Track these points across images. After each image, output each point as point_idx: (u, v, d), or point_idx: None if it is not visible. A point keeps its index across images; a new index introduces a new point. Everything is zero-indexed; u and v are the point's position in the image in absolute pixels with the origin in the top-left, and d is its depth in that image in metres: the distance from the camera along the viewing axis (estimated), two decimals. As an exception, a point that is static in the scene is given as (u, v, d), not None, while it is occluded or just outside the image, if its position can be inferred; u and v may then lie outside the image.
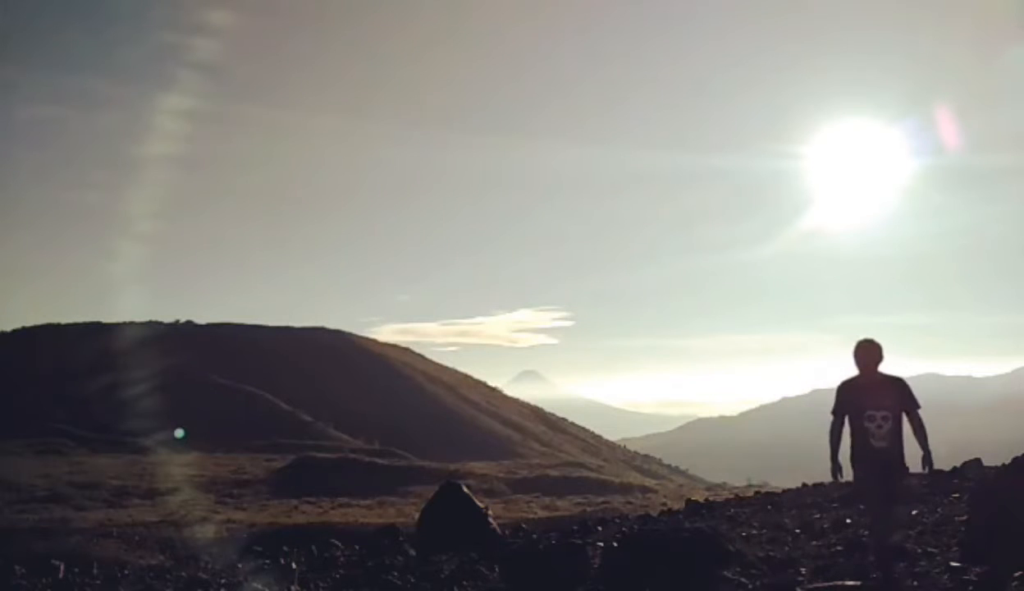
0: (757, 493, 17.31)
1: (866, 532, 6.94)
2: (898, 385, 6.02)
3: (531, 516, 32.22)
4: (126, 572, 10.81)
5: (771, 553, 6.15)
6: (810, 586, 5.00)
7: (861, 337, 6.30)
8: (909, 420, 5.96)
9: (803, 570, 5.45)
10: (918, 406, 5.99)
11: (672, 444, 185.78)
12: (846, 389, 6.15)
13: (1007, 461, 5.99)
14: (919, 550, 5.40)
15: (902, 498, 6.17)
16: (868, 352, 6.14)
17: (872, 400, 5.92)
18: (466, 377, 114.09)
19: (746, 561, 5.67)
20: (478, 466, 59.85)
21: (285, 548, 11.67)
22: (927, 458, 5.91)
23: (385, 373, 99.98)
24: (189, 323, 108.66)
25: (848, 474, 6.12)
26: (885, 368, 6.21)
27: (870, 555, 6.24)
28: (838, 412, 6.13)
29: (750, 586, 5.10)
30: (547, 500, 43.87)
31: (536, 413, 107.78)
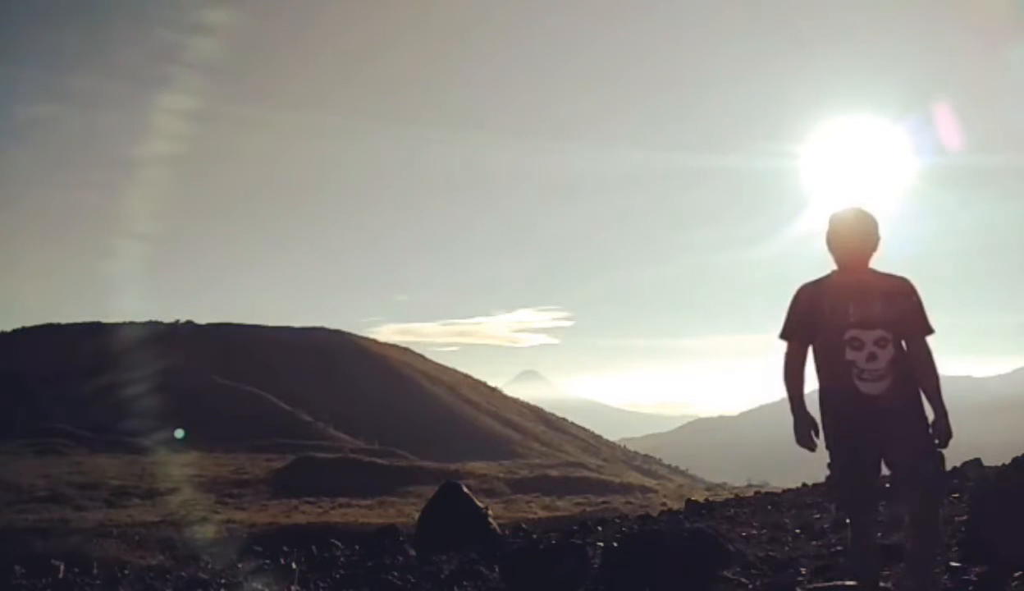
0: (757, 493, 17.31)
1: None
2: (903, 291, 3.55)
3: (531, 516, 32.25)
4: (126, 572, 10.80)
5: (771, 553, 6.14)
6: (810, 586, 4.98)
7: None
8: (910, 353, 3.52)
9: (803, 570, 5.44)
10: (930, 329, 3.55)
11: (672, 444, 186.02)
12: (811, 296, 3.59)
13: (1007, 461, 5.91)
14: (919, 550, 5.40)
15: (933, 486, 3.57)
16: (854, 230, 3.59)
17: (860, 312, 3.48)
18: (466, 377, 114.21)
19: (746, 561, 5.67)
20: (478, 466, 59.88)
21: (285, 548, 11.67)
22: (940, 422, 3.47)
23: (385, 373, 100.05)
24: (189, 323, 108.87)
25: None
26: (882, 266, 3.66)
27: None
28: (796, 334, 3.62)
29: (750, 586, 5.09)
30: (547, 500, 43.90)
31: (536, 413, 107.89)
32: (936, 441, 3.48)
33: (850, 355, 3.45)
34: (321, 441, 68.53)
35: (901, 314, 3.51)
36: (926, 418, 3.49)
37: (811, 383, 3.69)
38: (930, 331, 3.55)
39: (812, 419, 3.56)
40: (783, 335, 3.67)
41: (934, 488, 3.59)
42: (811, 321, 3.57)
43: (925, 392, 3.52)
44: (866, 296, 3.50)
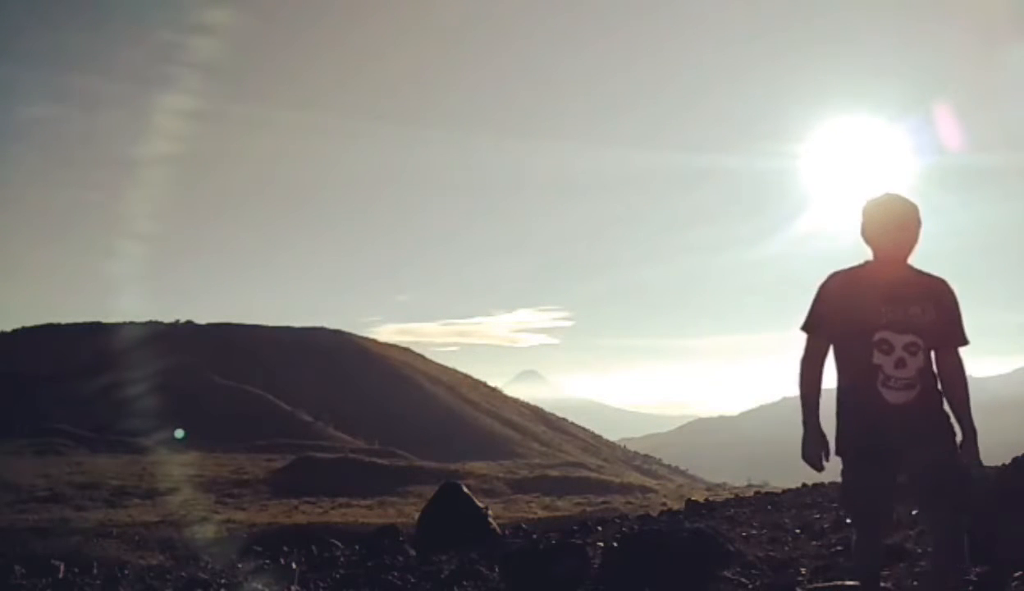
0: (757, 493, 17.31)
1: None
2: (942, 294, 3.17)
3: (531, 516, 32.20)
4: (126, 572, 10.80)
5: (771, 553, 6.13)
6: (810, 586, 4.97)
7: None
8: (940, 363, 3.17)
9: (803, 570, 5.44)
10: (965, 341, 3.20)
11: (672, 444, 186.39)
12: (842, 287, 3.18)
13: (1007, 461, 5.89)
14: (919, 550, 5.38)
15: (959, 506, 3.12)
16: (894, 217, 3.14)
17: (893, 313, 3.08)
18: (466, 377, 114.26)
19: (746, 561, 5.66)
20: (478, 466, 59.88)
21: (285, 548, 11.66)
22: (968, 443, 3.10)
23: (385, 373, 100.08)
24: (189, 323, 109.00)
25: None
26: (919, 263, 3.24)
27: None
28: (820, 328, 3.20)
29: (750, 586, 5.09)
30: (547, 500, 43.89)
31: (536, 413, 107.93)
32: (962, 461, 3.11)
33: (877, 359, 3.07)
34: (321, 441, 68.54)
35: (937, 320, 3.11)
36: (954, 434, 3.13)
37: (826, 380, 3.37)
38: (965, 342, 3.19)
39: (824, 438, 3.18)
40: (806, 327, 3.23)
41: (960, 507, 3.14)
42: (838, 315, 3.14)
43: (953, 407, 3.15)
44: (902, 295, 3.10)
